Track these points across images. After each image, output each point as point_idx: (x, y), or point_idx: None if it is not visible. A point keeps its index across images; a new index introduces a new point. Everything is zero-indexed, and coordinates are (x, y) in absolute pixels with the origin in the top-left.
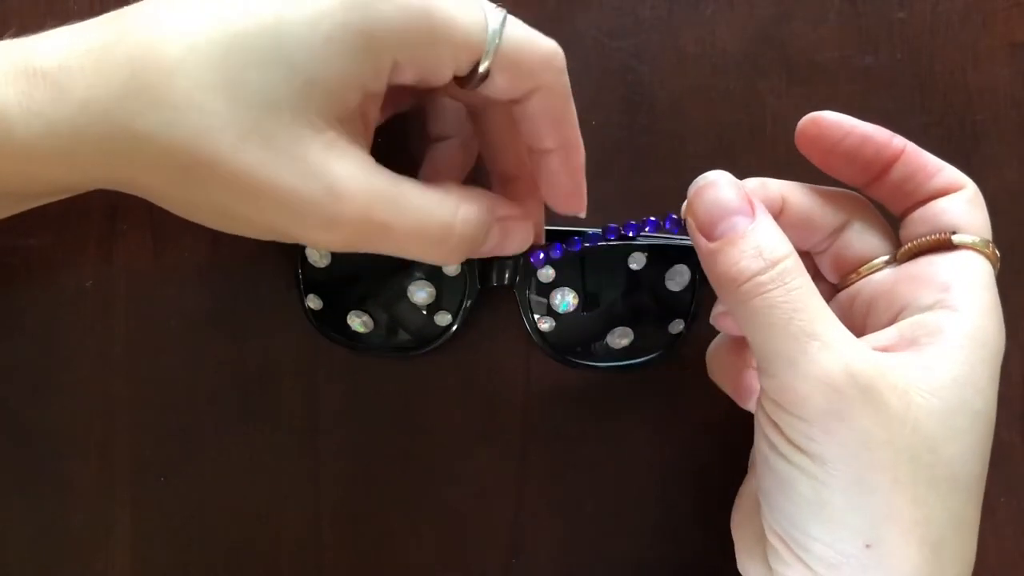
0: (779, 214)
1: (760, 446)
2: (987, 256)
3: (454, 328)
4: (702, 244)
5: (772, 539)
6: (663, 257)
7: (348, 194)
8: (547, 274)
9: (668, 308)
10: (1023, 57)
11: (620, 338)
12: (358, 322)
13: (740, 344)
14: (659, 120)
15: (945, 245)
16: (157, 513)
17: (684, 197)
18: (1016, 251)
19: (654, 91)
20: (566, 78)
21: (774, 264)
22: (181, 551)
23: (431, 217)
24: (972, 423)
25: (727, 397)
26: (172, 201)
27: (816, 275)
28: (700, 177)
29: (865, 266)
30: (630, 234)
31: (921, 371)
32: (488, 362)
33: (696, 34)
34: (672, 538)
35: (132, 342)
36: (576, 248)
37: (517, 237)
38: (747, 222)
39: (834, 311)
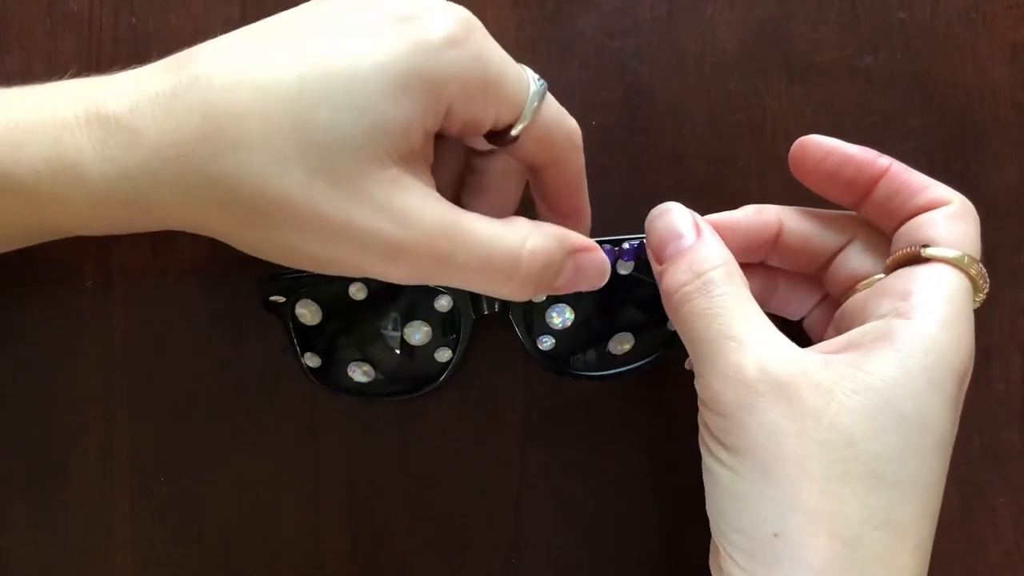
0: (776, 238)
1: (701, 452)
2: (961, 269)
3: (453, 362)
4: (655, 267)
5: (714, 538)
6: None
7: (411, 226)
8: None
9: (663, 306)
10: (1023, 57)
11: (621, 344)
12: (359, 372)
13: None
14: (659, 120)
15: (915, 258)
16: (157, 513)
17: (684, 198)
18: (1016, 251)
19: (654, 91)
20: (582, 156)
21: (699, 275)
22: (181, 551)
23: (496, 249)
24: (899, 424)
25: None
26: (240, 241)
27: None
28: (656, 207)
29: (861, 283)
30: (626, 259)
31: (851, 370)
32: (490, 387)
33: (696, 34)
34: (672, 538)
35: (132, 342)
36: None
37: (592, 271)
38: (685, 242)
39: (831, 328)
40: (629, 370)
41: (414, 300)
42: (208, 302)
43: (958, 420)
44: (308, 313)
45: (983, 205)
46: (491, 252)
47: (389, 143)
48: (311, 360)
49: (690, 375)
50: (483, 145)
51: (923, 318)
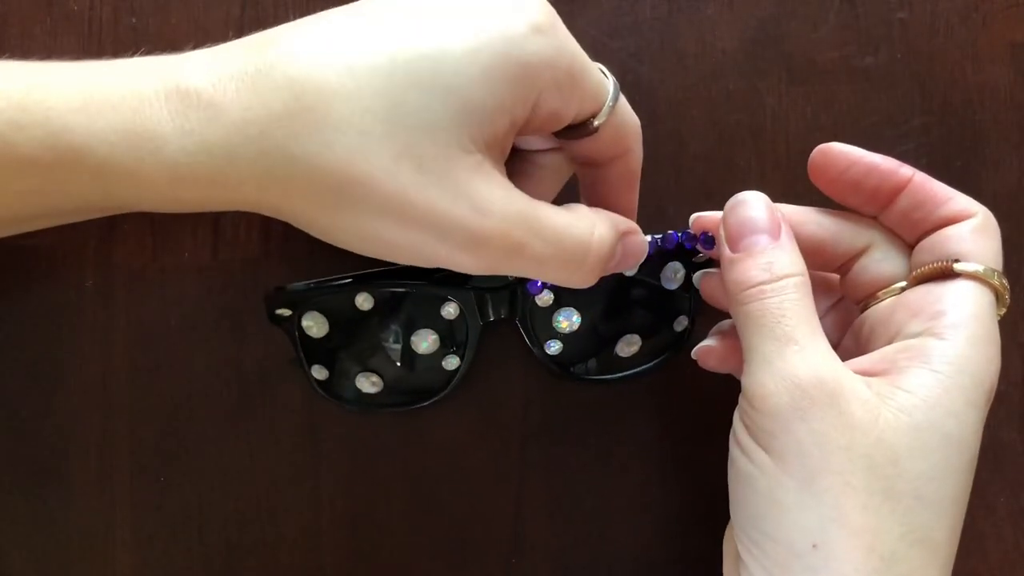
0: (897, 192)
1: (731, 451)
2: (990, 285)
3: (462, 370)
4: (725, 253)
5: (738, 546)
6: (655, 257)
7: (491, 215)
8: (546, 299)
9: (669, 307)
10: (1023, 57)
11: (628, 346)
12: (367, 383)
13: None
14: (659, 120)
15: (947, 273)
16: (157, 513)
17: (684, 197)
18: (1016, 251)
19: (654, 91)
20: (639, 161)
21: (779, 279)
22: (181, 551)
23: (570, 238)
24: (941, 444)
25: (729, 394)
26: (319, 226)
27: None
28: (738, 194)
29: (883, 291)
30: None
31: (893, 389)
32: (491, 387)
33: (696, 34)
34: (672, 538)
35: (132, 342)
36: None
37: (636, 250)
38: (768, 241)
39: (848, 335)
40: (636, 373)
41: (420, 309)
42: (208, 302)
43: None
44: (314, 325)
45: (983, 205)
46: (564, 241)
47: (476, 129)
48: (318, 372)
49: (691, 373)
50: (539, 144)
51: (957, 338)
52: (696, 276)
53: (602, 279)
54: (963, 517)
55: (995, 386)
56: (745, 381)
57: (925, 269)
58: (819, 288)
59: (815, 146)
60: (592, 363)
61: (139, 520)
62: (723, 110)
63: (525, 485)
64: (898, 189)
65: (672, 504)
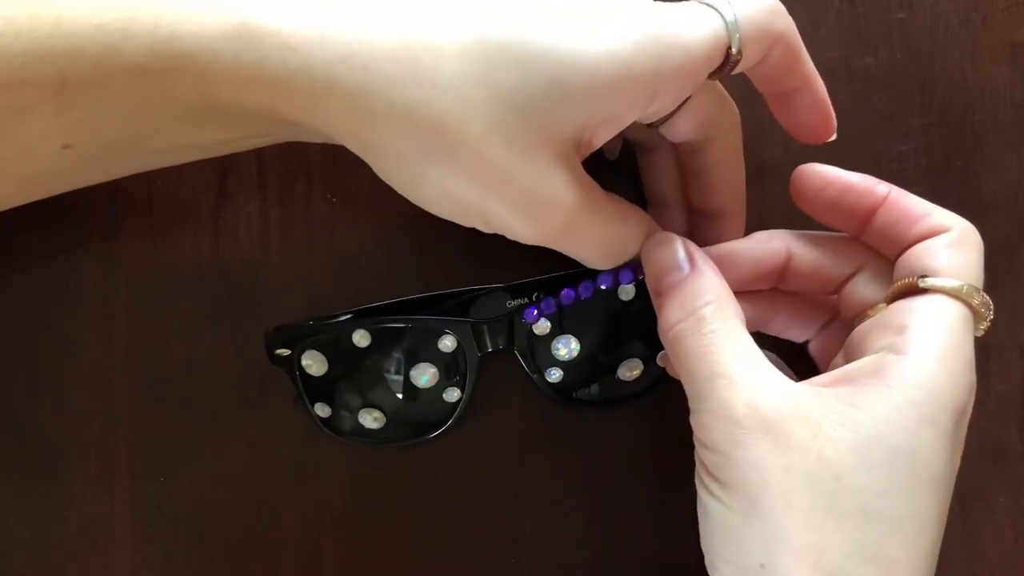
0: (785, 265)
1: (697, 487)
2: (961, 300)
3: (463, 402)
4: (653, 300)
5: (710, 573)
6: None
7: (563, 200)
8: (543, 327)
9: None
10: (1023, 57)
11: (630, 370)
12: (370, 419)
13: None
14: None
15: (914, 289)
16: (157, 513)
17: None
18: (1015, 251)
19: None
20: (792, 22)
21: (691, 312)
22: (181, 551)
23: (614, 226)
24: (887, 458)
25: None
26: (399, 172)
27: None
28: (651, 238)
29: (871, 309)
30: (624, 283)
31: (840, 404)
32: (501, 414)
33: None
34: (672, 538)
35: (132, 342)
36: (570, 300)
37: (653, 260)
38: (679, 275)
39: (840, 353)
40: (637, 396)
41: (418, 343)
42: (208, 302)
43: (959, 456)
44: (314, 364)
45: (983, 205)
46: (612, 229)
47: (569, 118)
48: (321, 410)
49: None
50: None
51: (917, 353)
52: (659, 355)
53: (601, 306)
54: (934, 538)
55: (969, 405)
56: (691, 421)
57: (895, 286)
58: (807, 310)
59: (815, 146)
60: (594, 388)
61: (139, 520)
62: None
63: (524, 487)
64: (875, 207)
65: (670, 511)
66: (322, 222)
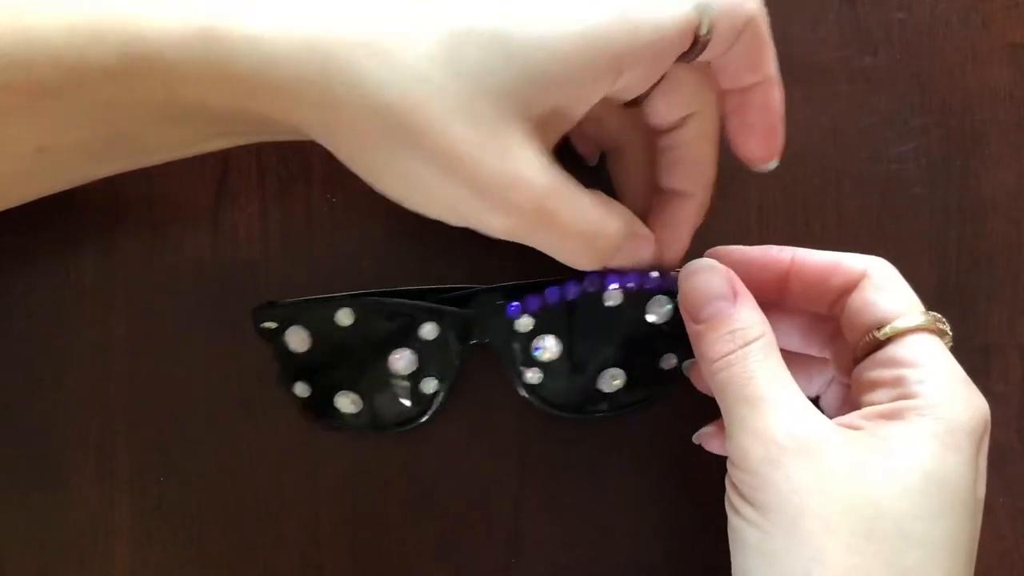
0: (784, 279)
1: (728, 515)
2: (930, 329)
3: (442, 394)
4: (690, 326)
5: None
6: (638, 288)
7: (532, 183)
8: (525, 323)
9: (655, 343)
10: (1023, 57)
11: (612, 380)
12: (346, 402)
13: None
14: None
15: (878, 345)
16: (157, 513)
17: None
18: (1016, 251)
19: None
20: (764, 10)
21: (744, 345)
22: (181, 551)
23: (591, 216)
24: (922, 485)
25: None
26: (364, 160)
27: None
28: (690, 264)
29: (863, 340)
30: (612, 286)
31: (870, 437)
32: (489, 392)
33: None
34: (670, 543)
35: (132, 342)
36: (555, 299)
37: (643, 256)
38: (727, 306)
39: (851, 381)
40: (618, 413)
41: (399, 327)
42: (208, 302)
43: (983, 481)
44: (297, 339)
45: (983, 205)
46: (588, 219)
47: (533, 98)
48: (301, 389)
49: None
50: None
51: (931, 391)
52: (685, 365)
53: (585, 310)
54: (967, 559)
55: (986, 428)
56: (728, 446)
57: (860, 348)
58: (815, 366)
59: (815, 146)
60: (574, 398)
61: (139, 520)
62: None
63: (524, 486)
64: (784, 273)
65: (672, 504)
66: (322, 222)
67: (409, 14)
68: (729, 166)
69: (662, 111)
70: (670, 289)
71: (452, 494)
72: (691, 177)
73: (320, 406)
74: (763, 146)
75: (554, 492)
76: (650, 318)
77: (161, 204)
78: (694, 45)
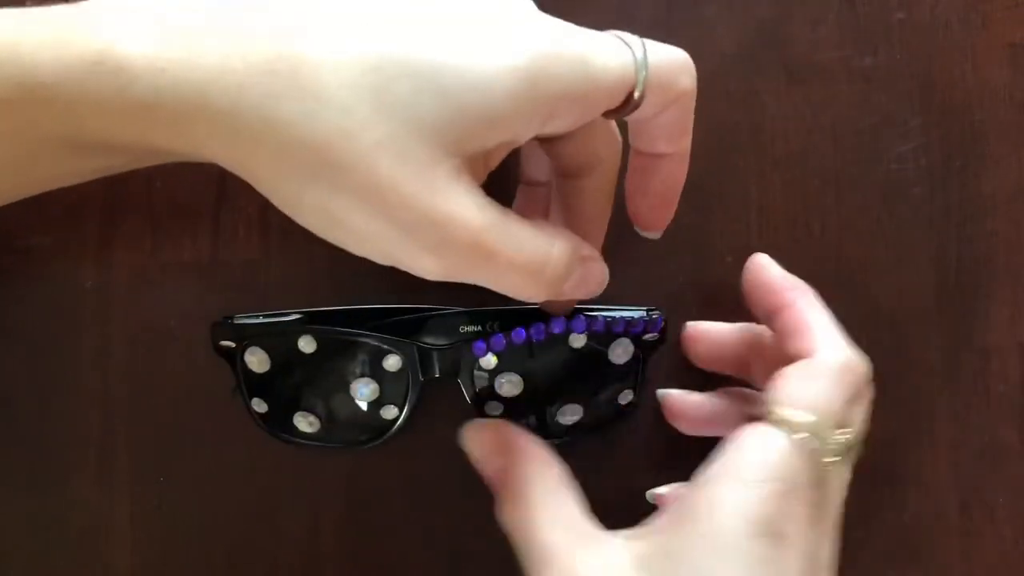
0: (753, 347)
1: None
2: (784, 425)
3: (400, 420)
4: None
5: None
6: (604, 332)
7: (464, 220)
8: (489, 361)
9: (615, 381)
10: (1023, 57)
11: (570, 415)
12: (304, 423)
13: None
14: None
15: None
16: (157, 513)
17: (684, 197)
18: (1016, 251)
19: None
20: (695, 85)
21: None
22: (181, 551)
23: (533, 249)
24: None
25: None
26: (283, 195)
27: None
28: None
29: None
30: (577, 331)
31: (647, 553)
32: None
33: (695, 35)
34: None
35: (132, 342)
36: (521, 340)
37: (596, 278)
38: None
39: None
40: (575, 438)
41: (363, 358)
42: (208, 302)
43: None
44: (256, 361)
45: (983, 205)
46: (528, 254)
47: (465, 135)
48: (258, 405)
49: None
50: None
51: (717, 484)
52: (660, 394)
53: (550, 350)
54: None
55: (779, 525)
56: None
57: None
58: None
59: (814, 146)
60: (532, 428)
61: (139, 520)
62: (723, 110)
63: None
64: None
65: (648, 512)
66: None
67: (325, 37)
68: (729, 165)
69: (567, 153)
70: (632, 332)
71: (453, 494)
72: (588, 225)
73: (278, 423)
74: (655, 215)
75: None
76: (614, 359)
77: (161, 204)
78: (625, 104)
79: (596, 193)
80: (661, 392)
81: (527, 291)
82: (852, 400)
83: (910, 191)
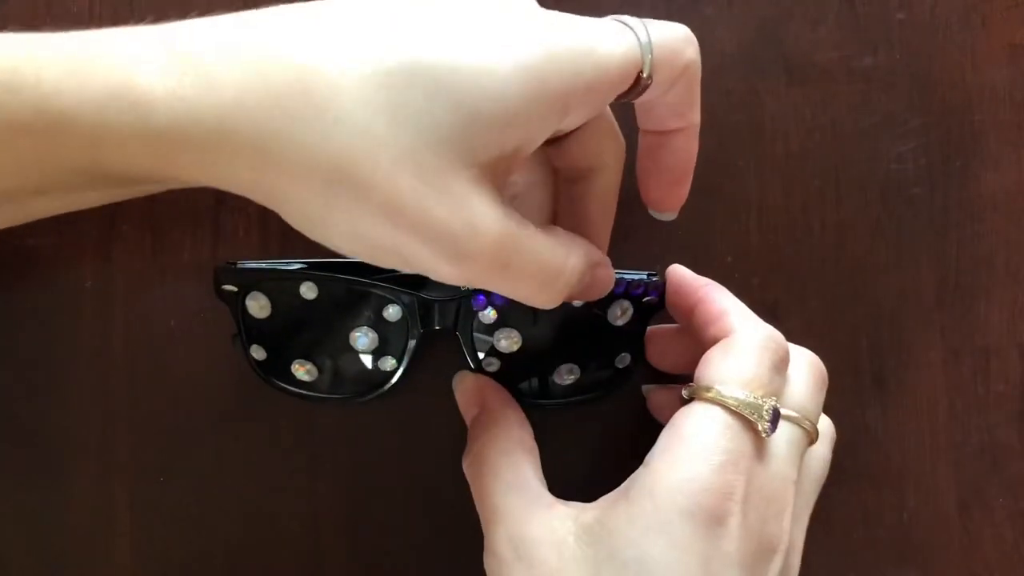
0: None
1: None
2: (715, 402)
3: (399, 373)
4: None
5: None
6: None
7: (484, 230)
8: (488, 316)
9: (613, 343)
10: (1022, 57)
11: (567, 375)
12: (302, 371)
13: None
14: None
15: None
16: (157, 513)
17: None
18: (1016, 251)
19: None
20: (699, 56)
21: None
22: (181, 550)
23: (549, 259)
24: (620, 573)
25: None
26: (308, 217)
27: None
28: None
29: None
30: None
31: (592, 524)
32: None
33: (696, 34)
34: None
35: (132, 342)
36: None
37: (603, 283)
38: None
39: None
40: (570, 403)
41: (363, 306)
42: (208, 302)
43: (733, 564)
44: (257, 305)
45: (983, 205)
46: (545, 263)
47: (481, 142)
48: (257, 352)
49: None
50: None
51: (655, 462)
52: (645, 389)
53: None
54: None
55: (716, 506)
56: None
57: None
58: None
59: (814, 146)
60: (529, 386)
61: (139, 520)
62: (723, 110)
63: None
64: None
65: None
66: None
67: (338, 54)
68: (729, 165)
69: (572, 155)
70: (632, 293)
71: (451, 492)
72: (594, 229)
73: (276, 370)
74: (670, 193)
75: (553, 491)
76: (613, 320)
77: (161, 204)
78: (635, 86)
79: (602, 196)
80: (647, 388)
81: (540, 298)
82: (775, 368)
83: (910, 191)
